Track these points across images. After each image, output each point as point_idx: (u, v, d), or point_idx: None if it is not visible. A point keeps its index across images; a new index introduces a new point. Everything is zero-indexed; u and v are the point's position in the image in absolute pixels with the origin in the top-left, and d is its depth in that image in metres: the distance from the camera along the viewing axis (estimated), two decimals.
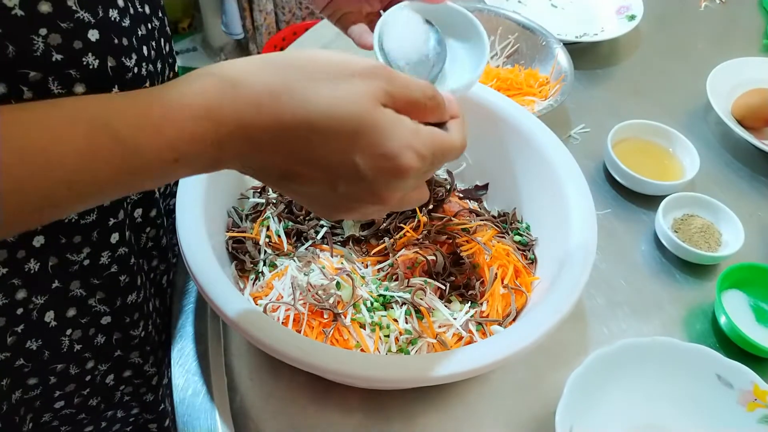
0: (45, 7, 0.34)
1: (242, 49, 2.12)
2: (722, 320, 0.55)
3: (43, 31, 0.35)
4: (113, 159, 0.29)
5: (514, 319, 0.50)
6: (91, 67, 0.38)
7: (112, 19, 0.38)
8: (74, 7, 0.35)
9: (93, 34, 0.37)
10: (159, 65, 0.47)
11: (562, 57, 0.75)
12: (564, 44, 0.77)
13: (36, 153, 0.28)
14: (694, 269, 0.61)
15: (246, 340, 0.49)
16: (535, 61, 0.78)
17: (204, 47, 2.18)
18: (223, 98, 0.30)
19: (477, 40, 0.47)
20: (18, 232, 0.39)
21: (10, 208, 0.27)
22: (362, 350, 0.47)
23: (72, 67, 0.37)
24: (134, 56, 0.41)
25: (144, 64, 0.43)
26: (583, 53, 0.85)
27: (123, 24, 0.40)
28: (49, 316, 0.44)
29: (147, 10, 0.45)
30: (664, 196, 0.64)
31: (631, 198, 0.68)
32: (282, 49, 0.85)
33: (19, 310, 0.43)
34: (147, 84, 0.44)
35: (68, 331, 0.46)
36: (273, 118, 0.31)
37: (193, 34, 2.23)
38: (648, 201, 0.67)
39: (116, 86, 0.40)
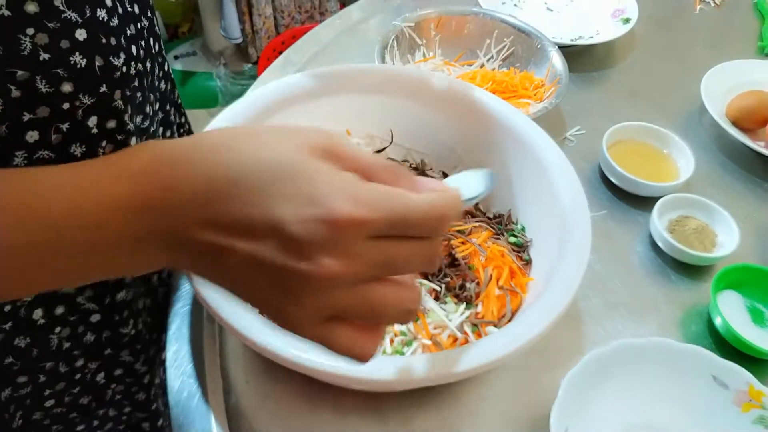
0: (32, 7, 0.34)
1: (242, 52, 2.13)
2: (717, 321, 0.55)
3: (30, 31, 0.35)
4: (47, 221, 0.27)
5: (509, 320, 0.50)
6: (78, 66, 0.38)
7: (100, 18, 0.39)
8: (61, 7, 0.36)
9: (80, 34, 0.37)
10: (149, 64, 0.48)
11: (557, 60, 0.76)
12: (560, 47, 0.78)
13: None
14: (690, 270, 0.61)
15: (241, 342, 0.49)
16: (531, 63, 0.79)
17: (203, 51, 2.19)
18: (146, 162, 0.28)
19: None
20: None
21: None
22: None
23: (59, 66, 0.37)
24: (122, 55, 0.42)
25: (133, 63, 0.44)
26: (578, 56, 0.86)
27: (111, 23, 0.40)
28: (37, 314, 0.44)
29: (136, 9, 0.45)
30: (659, 198, 0.64)
31: (627, 199, 0.68)
32: (281, 53, 0.86)
33: (7, 308, 0.43)
34: (136, 82, 0.44)
35: (57, 329, 0.46)
36: (190, 174, 0.27)
37: (193, 39, 2.24)
38: (643, 202, 0.67)
39: (104, 85, 0.40)
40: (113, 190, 0.27)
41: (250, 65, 2.10)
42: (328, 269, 0.26)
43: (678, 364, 0.49)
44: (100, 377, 0.53)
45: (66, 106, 0.39)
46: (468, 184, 0.33)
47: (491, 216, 0.60)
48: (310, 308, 0.27)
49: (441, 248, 0.28)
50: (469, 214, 0.59)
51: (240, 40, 2.03)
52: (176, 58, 2.16)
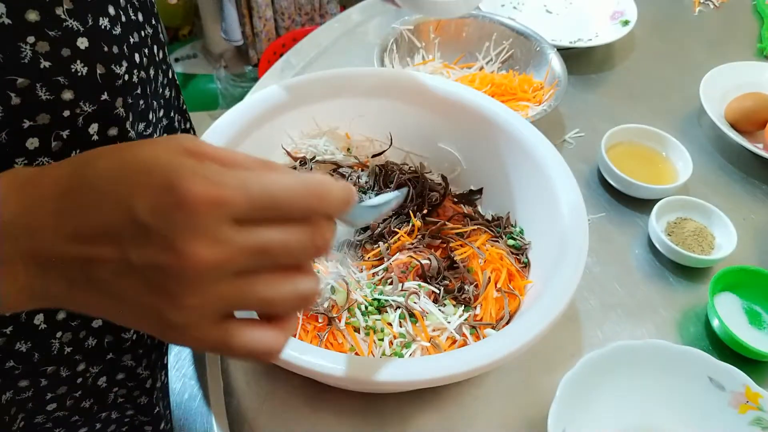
0: (33, 16, 0.35)
1: (242, 55, 2.13)
2: (715, 323, 0.56)
3: (30, 39, 0.35)
4: None
5: (507, 322, 0.50)
6: (79, 74, 0.38)
7: (102, 27, 0.39)
8: (63, 16, 0.36)
9: (82, 42, 0.38)
10: (152, 72, 0.48)
11: (556, 62, 0.76)
12: (558, 49, 0.78)
13: None
14: (688, 272, 0.62)
15: None
16: (530, 66, 0.79)
17: (204, 54, 2.20)
18: (6, 177, 0.27)
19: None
20: None
21: None
22: (356, 354, 0.47)
23: (60, 74, 0.37)
24: (125, 63, 0.42)
25: (135, 71, 0.44)
26: (577, 58, 0.86)
27: (114, 32, 0.40)
28: (39, 318, 0.45)
29: (140, 17, 0.46)
30: (657, 200, 0.64)
31: (625, 202, 0.68)
32: (281, 55, 0.86)
33: (7, 312, 0.43)
34: (138, 90, 0.45)
35: (58, 334, 0.46)
36: (52, 181, 0.26)
37: (193, 41, 2.25)
38: (642, 205, 0.67)
39: (105, 93, 0.40)
40: None
41: (250, 67, 2.10)
42: (196, 258, 0.24)
43: (675, 366, 0.49)
44: (102, 381, 0.53)
45: (66, 113, 0.39)
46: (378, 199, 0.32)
47: (490, 219, 0.60)
48: (193, 309, 0.25)
49: (328, 233, 0.26)
50: (468, 217, 0.60)
51: (240, 43, 2.04)
52: (177, 60, 2.16)
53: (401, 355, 0.48)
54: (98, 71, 0.39)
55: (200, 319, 0.25)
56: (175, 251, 0.24)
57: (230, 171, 0.25)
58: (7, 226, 0.26)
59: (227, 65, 2.11)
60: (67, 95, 0.38)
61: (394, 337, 0.49)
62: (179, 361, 0.51)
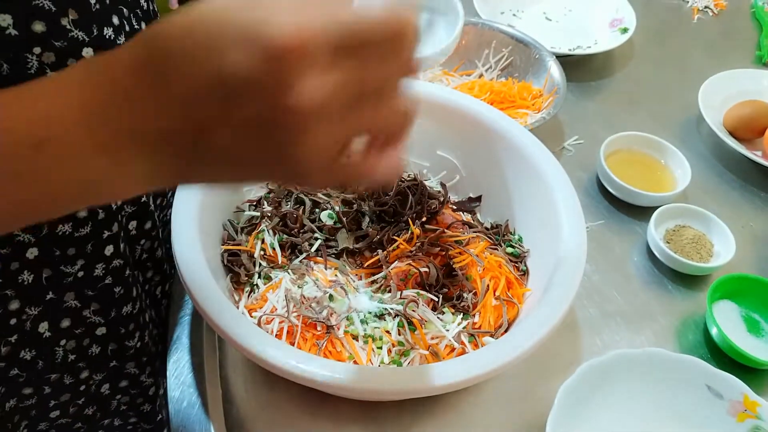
0: (39, 27, 0.35)
1: None
2: (713, 331, 0.56)
3: (37, 50, 0.35)
4: None
5: (506, 331, 0.51)
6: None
7: (107, 37, 0.39)
8: (68, 26, 0.36)
9: (87, 52, 0.38)
10: None
11: (555, 70, 0.76)
12: (558, 57, 0.79)
13: None
14: (686, 280, 0.62)
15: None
16: (529, 74, 0.79)
17: None
18: (84, 63, 0.26)
19: (452, 12, 0.44)
20: None
21: None
22: (355, 362, 0.47)
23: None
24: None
25: None
26: (576, 66, 0.86)
27: (118, 41, 0.41)
28: (43, 327, 0.45)
29: (143, 27, 0.46)
30: (656, 208, 0.64)
31: (624, 209, 0.68)
32: None
33: (12, 321, 0.43)
34: None
35: (62, 342, 0.47)
36: (130, 58, 0.25)
37: None
38: (640, 212, 0.67)
39: None
40: (60, 97, 0.25)
41: None
42: (301, 99, 0.23)
43: (673, 374, 0.49)
44: (105, 388, 0.53)
45: None
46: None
47: (489, 226, 0.60)
48: (313, 150, 0.25)
49: (414, 53, 0.26)
50: (467, 225, 0.60)
51: None
52: None
53: (400, 364, 0.48)
54: None
55: (321, 160, 0.25)
56: (278, 97, 0.23)
57: (307, 9, 0.24)
58: (100, 108, 0.25)
59: None
60: None
61: (393, 345, 0.49)
62: (178, 368, 0.51)
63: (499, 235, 0.59)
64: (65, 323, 0.46)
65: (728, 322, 0.57)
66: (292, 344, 0.47)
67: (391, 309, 0.50)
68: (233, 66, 0.23)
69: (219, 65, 0.23)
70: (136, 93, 0.25)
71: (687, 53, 0.94)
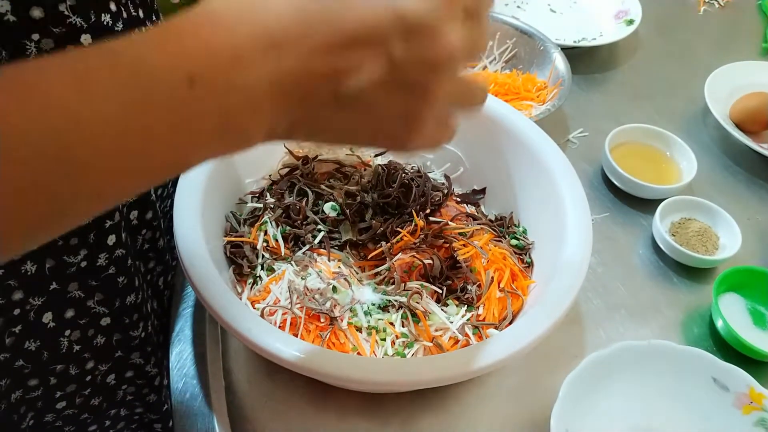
0: (37, 12, 0.35)
1: None
2: (719, 323, 0.55)
3: (35, 36, 0.35)
4: (113, 78, 0.22)
5: (510, 323, 0.50)
6: None
7: (105, 23, 0.39)
8: (66, 12, 0.36)
9: (85, 39, 0.38)
10: None
11: (560, 61, 0.76)
12: (562, 49, 0.78)
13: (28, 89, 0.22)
14: (692, 273, 0.61)
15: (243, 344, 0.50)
16: (533, 65, 0.79)
17: None
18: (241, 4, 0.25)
19: None
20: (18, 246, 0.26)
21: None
22: (359, 354, 0.47)
23: None
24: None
25: None
26: (581, 58, 0.86)
27: (116, 28, 0.40)
28: (47, 317, 0.45)
29: (141, 14, 0.46)
30: (661, 200, 0.64)
31: (629, 202, 0.68)
32: None
33: (17, 311, 0.43)
34: None
35: (67, 332, 0.47)
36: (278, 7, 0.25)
37: None
38: (646, 205, 0.67)
39: None
40: (211, 36, 0.24)
41: None
42: (453, 45, 0.26)
43: (678, 367, 0.49)
44: (111, 379, 0.53)
45: None
46: None
47: (493, 218, 0.60)
48: (442, 99, 0.27)
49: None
50: (471, 217, 0.59)
51: None
52: None
53: (403, 355, 0.48)
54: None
55: (447, 111, 0.29)
56: (442, 38, 0.26)
57: None
58: (250, 51, 0.24)
59: None
60: None
61: (397, 337, 0.48)
62: (180, 360, 0.51)
63: (504, 227, 0.58)
64: (69, 313, 0.46)
65: (734, 314, 0.57)
66: (296, 336, 0.47)
67: (395, 301, 0.50)
68: (409, 3, 0.25)
69: (393, 3, 0.25)
70: (282, 31, 0.25)
71: (693, 45, 0.93)
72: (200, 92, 0.23)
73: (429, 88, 0.27)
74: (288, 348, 0.41)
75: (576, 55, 0.83)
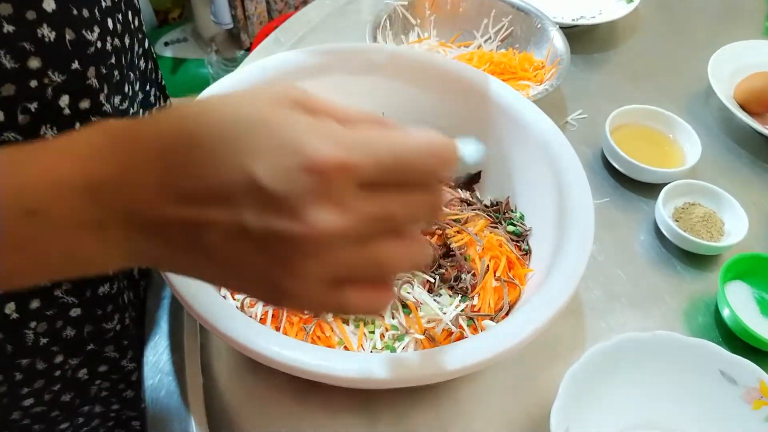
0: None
1: (234, 39, 2.08)
2: (725, 313, 0.53)
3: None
4: None
5: (507, 314, 0.48)
6: (46, 39, 0.35)
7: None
8: None
9: (48, 4, 0.34)
10: (127, 40, 0.45)
11: (558, 40, 0.72)
12: (560, 27, 0.74)
13: None
14: (696, 260, 0.59)
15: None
16: (530, 44, 0.75)
17: (195, 38, 2.14)
18: (95, 137, 0.25)
19: None
20: None
21: None
22: (345, 348, 0.44)
23: (25, 39, 0.34)
24: (97, 29, 0.39)
25: (109, 38, 0.40)
26: (580, 37, 0.82)
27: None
28: (10, 308, 0.42)
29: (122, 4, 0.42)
30: (664, 184, 0.61)
31: (630, 186, 0.65)
32: None
33: None
34: (113, 59, 0.41)
35: (32, 324, 0.43)
36: (152, 136, 0.24)
37: (184, 25, 2.19)
38: (648, 189, 0.64)
39: (76, 61, 0.37)
40: (58, 166, 0.24)
41: (242, 52, 2.05)
42: (322, 226, 0.22)
43: (684, 359, 0.46)
44: (83, 373, 0.50)
45: (34, 83, 0.36)
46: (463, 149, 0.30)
47: (488, 204, 0.57)
48: (310, 277, 0.24)
49: (442, 197, 0.27)
50: (465, 202, 0.56)
51: (230, 26, 1.99)
52: (166, 44, 2.11)
53: (393, 349, 0.45)
54: (67, 37, 0.36)
55: (317, 287, 0.24)
56: (300, 218, 0.22)
57: (353, 131, 0.24)
58: (103, 185, 0.24)
59: (218, 49, 2.06)
60: (34, 63, 0.35)
61: (386, 330, 0.46)
62: (156, 355, 0.48)
63: (500, 212, 0.55)
64: (34, 304, 0.43)
65: (740, 303, 0.54)
66: (278, 329, 0.44)
67: None
68: (266, 171, 0.22)
69: (248, 167, 0.22)
70: (147, 178, 0.24)
71: (695, 24, 0.90)
72: (39, 225, 0.24)
73: (290, 263, 0.23)
74: (269, 343, 0.38)
75: (574, 35, 0.79)
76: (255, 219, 0.23)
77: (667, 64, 0.82)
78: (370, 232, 0.24)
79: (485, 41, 0.78)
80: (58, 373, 0.48)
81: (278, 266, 0.24)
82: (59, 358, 0.47)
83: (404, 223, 0.25)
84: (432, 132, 0.26)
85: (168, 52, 2.09)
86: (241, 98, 0.25)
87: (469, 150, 0.29)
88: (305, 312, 0.27)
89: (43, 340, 0.45)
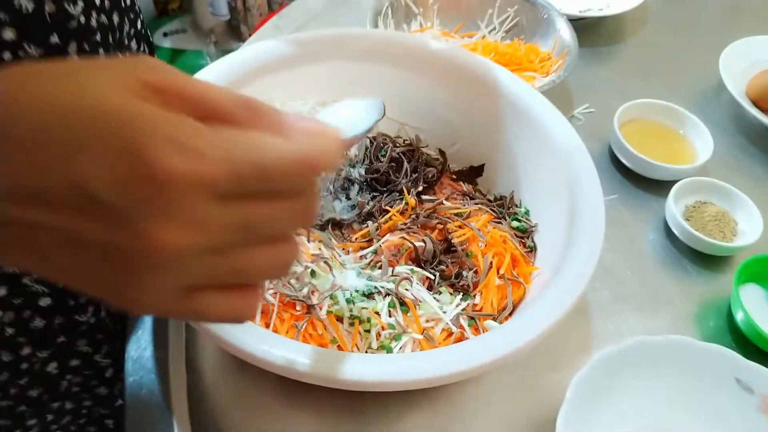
0: None
1: (233, 30, 2.05)
2: (739, 316, 0.50)
3: None
4: None
5: (510, 314, 0.45)
6: (23, 10, 0.33)
7: None
8: None
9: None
10: (116, 18, 0.42)
11: (565, 30, 0.70)
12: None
13: None
14: (707, 261, 0.56)
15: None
16: (536, 35, 0.73)
17: (194, 29, 2.11)
18: None
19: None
20: None
21: None
22: (339, 347, 0.42)
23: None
24: (80, 3, 0.36)
25: (94, 13, 0.38)
26: (586, 30, 0.80)
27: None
28: None
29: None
30: (673, 182, 0.59)
31: (639, 183, 0.62)
32: None
33: None
34: (98, 36, 0.39)
35: None
36: None
37: (183, 16, 2.16)
38: (657, 187, 0.61)
39: (55, 35, 0.35)
40: None
41: (241, 43, 2.03)
42: (165, 242, 0.19)
43: (698, 365, 0.44)
44: (53, 367, 0.47)
45: (7, 56, 0.33)
46: (352, 117, 0.27)
47: (492, 198, 0.54)
48: (158, 288, 0.21)
49: (315, 201, 0.23)
50: (468, 196, 0.54)
51: (228, 17, 1.96)
52: (165, 35, 2.08)
53: (390, 349, 0.42)
54: (47, 8, 0.34)
55: (167, 296, 0.21)
56: (137, 233, 0.19)
57: (210, 132, 0.20)
58: None
59: (217, 41, 2.03)
60: (9, 34, 0.33)
61: (383, 328, 0.43)
62: (138, 350, 0.45)
63: (504, 207, 0.53)
64: (1, 292, 0.40)
65: (754, 307, 0.52)
66: (267, 326, 0.41)
67: (382, 287, 0.44)
68: (98, 178, 0.19)
69: (78, 173, 0.19)
70: None
71: (706, 18, 0.87)
72: None
73: (133, 276, 0.20)
74: (257, 342, 0.35)
75: (580, 28, 0.77)
76: (89, 229, 0.19)
77: (677, 58, 0.79)
78: (224, 242, 0.21)
79: (490, 32, 0.75)
80: (25, 366, 0.45)
81: (121, 277, 0.21)
82: (26, 350, 0.44)
83: (266, 230, 0.22)
84: (313, 125, 0.23)
85: (167, 43, 2.06)
86: (76, 76, 0.20)
87: (356, 120, 0.25)
88: (155, 316, 0.23)
89: (9, 331, 0.42)
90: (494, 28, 0.75)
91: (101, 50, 0.40)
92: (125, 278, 0.20)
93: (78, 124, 0.19)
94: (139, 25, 0.50)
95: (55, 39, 0.35)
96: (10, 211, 0.20)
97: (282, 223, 0.22)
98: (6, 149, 0.19)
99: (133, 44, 0.49)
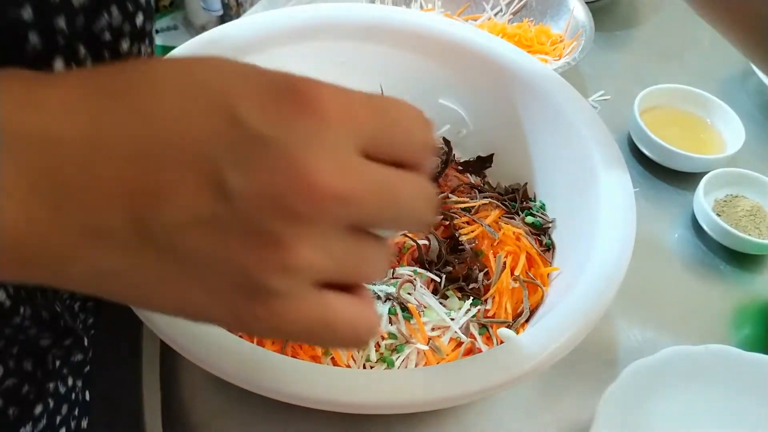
0: None
1: None
2: None
3: None
4: None
5: (527, 321, 0.40)
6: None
7: None
8: None
9: None
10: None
11: (579, 10, 0.65)
12: None
13: None
14: (742, 260, 0.51)
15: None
16: (547, 17, 0.68)
17: (186, 25, 2.07)
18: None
19: None
20: None
21: None
22: (333, 360, 0.37)
23: None
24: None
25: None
26: (600, 13, 0.74)
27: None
28: None
29: None
30: (700, 175, 0.54)
31: (663, 175, 0.57)
32: None
33: None
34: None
35: None
36: (78, 82, 0.18)
37: (175, 12, 2.12)
38: (683, 179, 0.56)
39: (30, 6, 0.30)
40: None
41: None
42: (326, 182, 0.17)
43: (742, 379, 0.39)
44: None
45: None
46: None
47: (503, 191, 0.49)
48: (301, 267, 0.18)
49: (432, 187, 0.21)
50: (476, 189, 0.49)
51: (220, 13, 1.92)
52: (157, 32, 2.04)
53: (391, 362, 0.37)
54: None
55: (304, 285, 0.18)
56: (298, 168, 0.17)
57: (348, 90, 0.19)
58: (18, 139, 0.17)
59: None
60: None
61: (383, 338, 0.38)
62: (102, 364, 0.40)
63: (516, 201, 0.48)
64: None
65: None
66: (251, 340, 0.36)
67: (381, 291, 0.40)
68: (250, 110, 0.17)
69: (229, 107, 0.17)
70: (67, 125, 0.17)
71: None
72: None
73: (283, 237, 0.17)
74: (229, 355, 0.30)
75: (594, 10, 0.72)
76: (238, 175, 0.17)
77: (697, 43, 0.74)
78: (367, 213, 0.19)
79: (496, 14, 0.70)
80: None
81: (262, 250, 0.18)
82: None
83: (402, 206, 0.20)
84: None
85: (158, 40, 2.01)
86: (211, 82, 0.18)
87: None
88: (279, 330, 0.19)
89: None
90: (501, 10, 0.70)
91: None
92: (269, 249, 0.17)
93: (230, 69, 0.19)
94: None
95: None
96: (137, 175, 0.17)
97: (419, 197, 0.20)
98: (148, 103, 0.18)
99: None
